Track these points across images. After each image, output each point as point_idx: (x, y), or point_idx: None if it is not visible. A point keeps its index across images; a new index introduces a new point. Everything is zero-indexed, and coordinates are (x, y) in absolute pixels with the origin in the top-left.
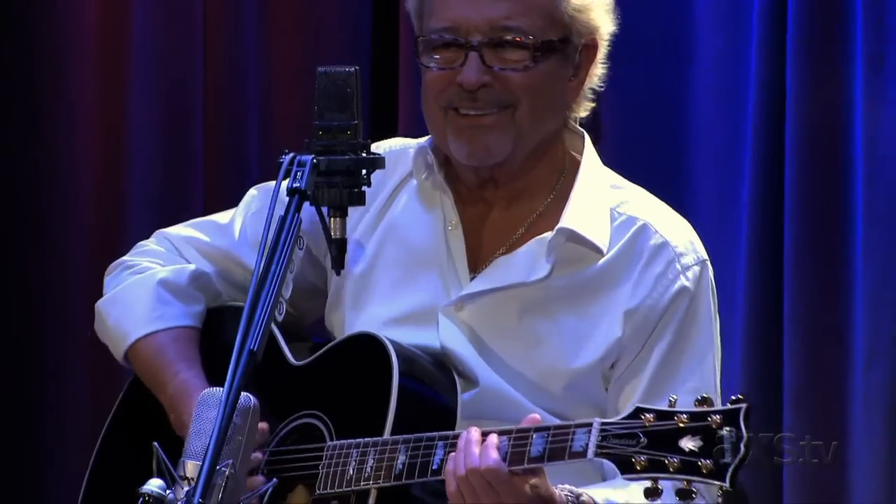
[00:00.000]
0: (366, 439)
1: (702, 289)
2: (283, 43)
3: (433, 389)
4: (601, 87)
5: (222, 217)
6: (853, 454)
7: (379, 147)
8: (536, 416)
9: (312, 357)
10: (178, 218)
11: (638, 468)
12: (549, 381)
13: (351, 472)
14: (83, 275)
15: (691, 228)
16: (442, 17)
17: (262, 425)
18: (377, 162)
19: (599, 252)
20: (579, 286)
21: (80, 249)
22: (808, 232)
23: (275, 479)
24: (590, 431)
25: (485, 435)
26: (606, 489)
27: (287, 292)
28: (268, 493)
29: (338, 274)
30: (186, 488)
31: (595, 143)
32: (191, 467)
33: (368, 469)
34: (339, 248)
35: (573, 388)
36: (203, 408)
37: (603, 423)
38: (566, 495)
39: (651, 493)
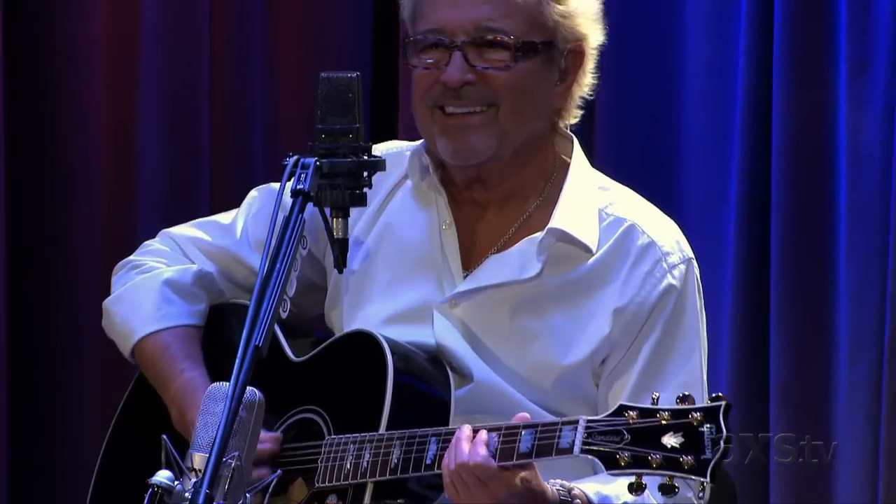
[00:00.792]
0: (362, 434)
1: (688, 287)
2: (287, 49)
3: (427, 385)
4: (591, 96)
5: (224, 217)
6: (838, 448)
7: (376, 150)
8: (526, 415)
9: (311, 354)
10: (185, 216)
11: (622, 464)
12: (540, 376)
13: (348, 466)
14: (95, 270)
15: (677, 228)
16: (429, 20)
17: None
18: (378, 164)
19: (589, 251)
20: (569, 285)
21: (93, 246)
22: (794, 232)
23: (279, 471)
24: (576, 429)
25: (476, 432)
26: (596, 483)
27: (291, 290)
28: (272, 485)
29: (340, 272)
30: (194, 479)
31: (589, 145)
32: (198, 459)
33: (365, 463)
34: (341, 248)
35: (563, 383)
36: (210, 401)
37: (588, 421)
38: (558, 490)
39: (635, 488)
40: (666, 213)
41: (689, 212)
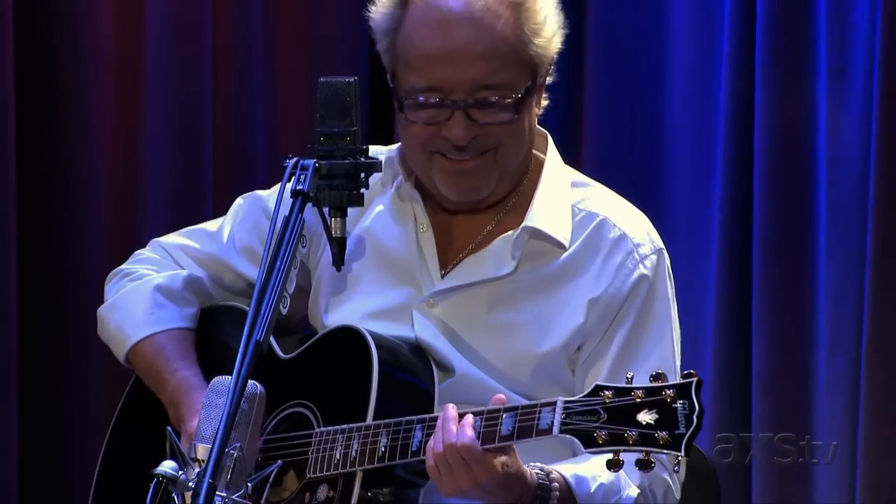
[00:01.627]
0: (350, 425)
1: (659, 275)
2: (287, 55)
3: (411, 375)
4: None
5: (212, 225)
6: (817, 437)
7: None
8: (502, 397)
9: (299, 350)
10: (190, 218)
11: (600, 442)
12: (518, 366)
13: (338, 456)
14: (102, 270)
15: (647, 220)
16: (424, 76)
17: None
18: (375, 166)
19: (562, 247)
20: (544, 279)
21: (100, 247)
22: (775, 231)
23: (279, 461)
24: (554, 410)
25: (461, 416)
26: (573, 465)
27: (291, 288)
28: (272, 475)
29: (339, 270)
30: (197, 469)
31: (577, 147)
32: (201, 450)
33: (354, 453)
34: (339, 246)
35: (541, 371)
36: (213, 395)
37: (566, 402)
38: (537, 473)
39: (613, 464)
40: (651, 214)
41: (674, 212)
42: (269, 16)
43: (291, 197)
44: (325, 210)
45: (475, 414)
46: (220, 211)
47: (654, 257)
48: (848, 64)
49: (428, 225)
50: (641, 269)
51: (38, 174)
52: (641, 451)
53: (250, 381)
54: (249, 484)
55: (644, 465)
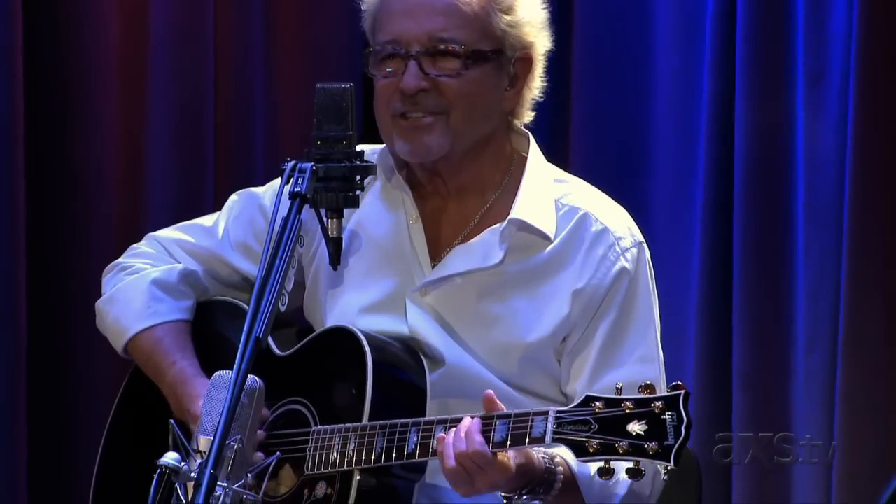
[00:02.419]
0: (347, 425)
1: (640, 268)
2: (286, 62)
3: (404, 373)
4: (542, 98)
5: (207, 220)
6: (795, 430)
7: None
8: (491, 392)
9: (295, 348)
10: (192, 217)
11: (591, 451)
12: (506, 355)
13: (335, 455)
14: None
15: (628, 215)
16: (387, 31)
17: (264, 411)
18: (369, 169)
19: (547, 239)
20: (530, 270)
21: (106, 245)
22: (755, 231)
23: (278, 453)
24: (546, 419)
25: (456, 421)
26: None
27: (289, 285)
28: (271, 467)
29: (335, 269)
30: (199, 461)
31: (565, 149)
32: (203, 442)
33: (351, 452)
34: (335, 246)
35: (528, 361)
36: (214, 389)
37: (558, 412)
38: (542, 457)
39: (604, 472)
40: (635, 214)
41: (658, 212)
42: (268, 25)
43: (289, 199)
44: (322, 211)
45: (471, 419)
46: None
47: (634, 250)
48: (825, 70)
49: (417, 216)
50: (623, 262)
51: (46, 175)
52: (631, 460)
53: (250, 376)
54: (249, 475)
55: (634, 473)
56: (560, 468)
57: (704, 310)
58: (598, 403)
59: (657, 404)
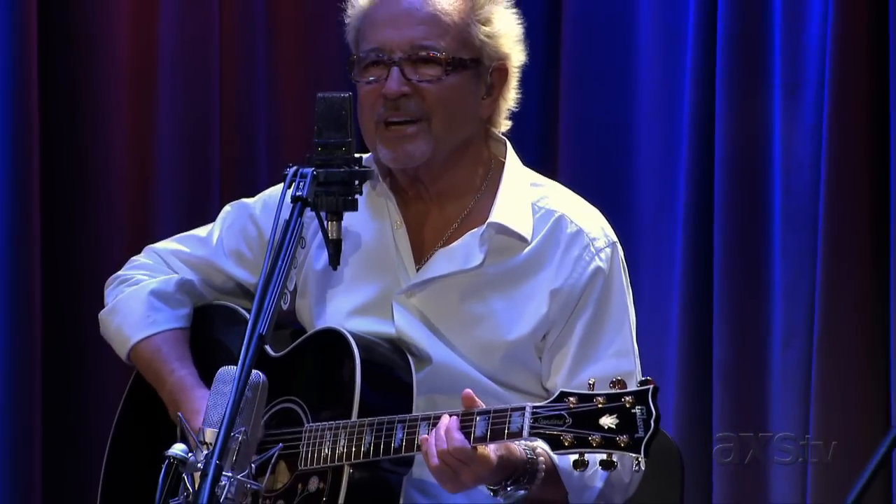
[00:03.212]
0: (337, 422)
1: (614, 267)
2: (288, 73)
3: (391, 372)
4: (517, 108)
5: (202, 231)
6: (772, 421)
7: None
8: (470, 391)
9: (287, 349)
10: (198, 222)
11: (566, 444)
12: (489, 353)
13: (326, 451)
14: (119, 269)
15: (601, 216)
16: (371, 40)
17: None
18: (367, 174)
19: (525, 241)
20: (509, 272)
21: (117, 248)
22: (734, 233)
23: (280, 444)
24: (524, 414)
25: (437, 418)
26: None
27: (291, 284)
28: (274, 458)
29: (335, 269)
30: (205, 452)
31: (553, 157)
32: (209, 434)
33: (341, 448)
34: (335, 247)
35: (510, 358)
36: (219, 383)
37: (534, 408)
38: (524, 448)
39: (579, 464)
40: (620, 217)
41: (642, 216)
42: (270, 38)
43: (291, 202)
44: (323, 214)
45: (451, 415)
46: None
47: (608, 250)
48: (800, 81)
49: (402, 222)
50: (597, 262)
51: (59, 182)
52: (604, 453)
53: (254, 372)
54: (253, 465)
55: (607, 465)
56: (542, 458)
57: (686, 307)
58: (572, 399)
59: (627, 399)
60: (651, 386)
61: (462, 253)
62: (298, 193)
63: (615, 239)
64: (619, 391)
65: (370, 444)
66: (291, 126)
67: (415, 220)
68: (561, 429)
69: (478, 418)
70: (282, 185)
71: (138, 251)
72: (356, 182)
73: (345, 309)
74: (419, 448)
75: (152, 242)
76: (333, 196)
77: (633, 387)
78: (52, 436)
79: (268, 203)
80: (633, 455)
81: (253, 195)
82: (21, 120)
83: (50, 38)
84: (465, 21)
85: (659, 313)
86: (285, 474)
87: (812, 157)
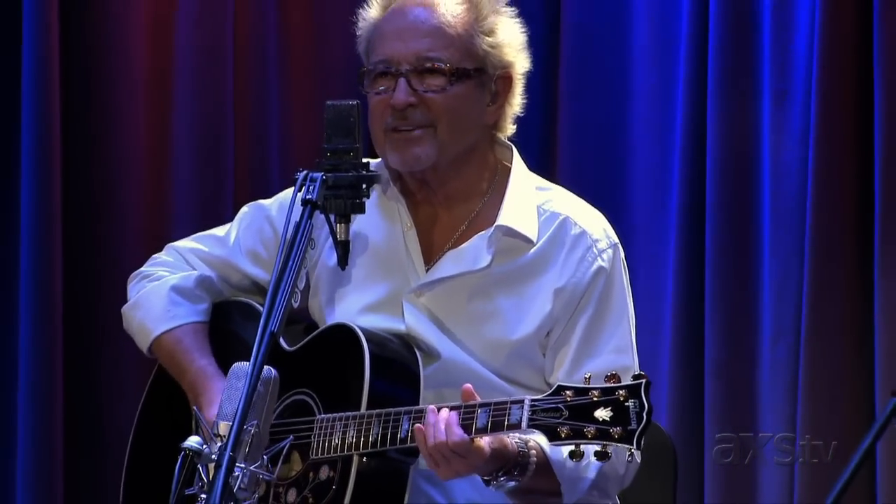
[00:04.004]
0: (347, 413)
1: (615, 267)
2: (299, 82)
3: (399, 366)
4: (523, 114)
5: (220, 231)
6: (762, 414)
7: None
8: (469, 386)
9: (301, 344)
10: (212, 224)
11: (562, 436)
12: (495, 351)
13: (337, 441)
14: (136, 267)
15: (604, 218)
16: (379, 53)
17: None
18: (375, 178)
19: (530, 242)
20: (515, 272)
21: (134, 249)
22: (726, 234)
23: (291, 437)
24: (522, 407)
25: (439, 408)
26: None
27: (301, 284)
28: (285, 450)
29: (343, 269)
30: (219, 444)
31: (552, 160)
32: (223, 427)
33: (350, 438)
34: (343, 249)
35: (516, 355)
36: (233, 379)
37: (532, 401)
38: (516, 442)
39: (575, 455)
40: (616, 218)
41: (637, 217)
42: (282, 48)
43: (301, 205)
44: (332, 216)
45: (453, 408)
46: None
47: (610, 251)
48: (788, 89)
49: (412, 224)
50: (599, 262)
51: (80, 186)
52: (599, 444)
53: (265, 367)
54: (265, 456)
55: (602, 455)
56: (534, 451)
57: (679, 305)
58: (568, 392)
59: (621, 392)
60: (644, 380)
61: (470, 254)
62: (308, 196)
63: (617, 241)
64: (613, 385)
65: (377, 434)
66: (302, 132)
67: (424, 222)
68: (558, 421)
69: (479, 410)
70: (294, 188)
71: (155, 251)
72: (363, 186)
73: (356, 307)
74: None
75: (169, 243)
76: (342, 199)
77: (627, 381)
78: (73, 429)
79: (283, 204)
80: (626, 446)
81: (265, 198)
82: (44, 126)
83: (71, 49)
84: (469, 32)
85: (653, 310)
86: (298, 463)
87: (799, 161)
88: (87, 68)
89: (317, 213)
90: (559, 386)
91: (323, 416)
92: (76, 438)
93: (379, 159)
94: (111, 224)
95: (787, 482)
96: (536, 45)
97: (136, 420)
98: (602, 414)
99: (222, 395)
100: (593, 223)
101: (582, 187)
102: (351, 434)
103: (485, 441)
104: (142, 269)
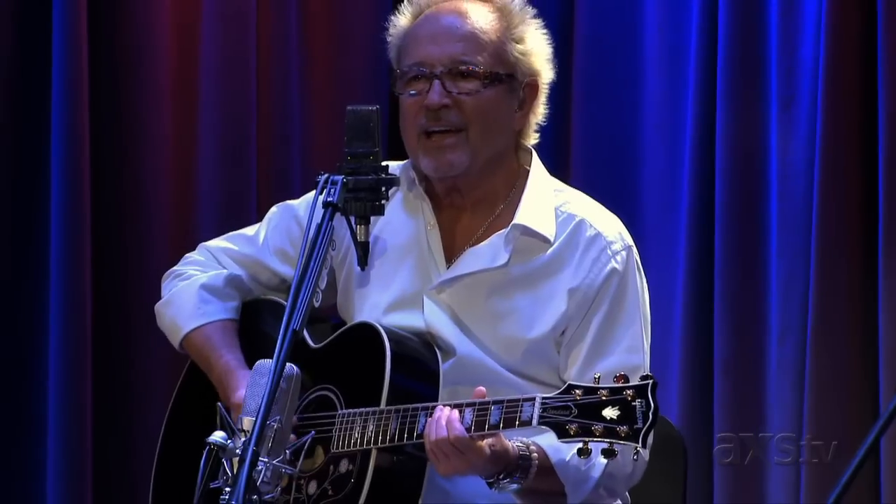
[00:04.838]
0: (367, 409)
1: (629, 269)
2: (320, 87)
3: (419, 364)
4: (545, 122)
5: (249, 230)
6: (769, 411)
7: None
8: (482, 390)
9: (325, 341)
10: (236, 225)
11: (571, 433)
12: (511, 348)
13: (356, 435)
14: (164, 268)
15: (619, 221)
16: (413, 56)
17: None
18: (394, 181)
19: (548, 242)
20: (533, 272)
21: (161, 249)
22: (734, 235)
23: (312, 432)
24: (533, 404)
25: (457, 406)
26: (551, 436)
27: (322, 283)
28: (306, 445)
29: (362, 269)
30: (244, 439)
31: (566, 164)
32: (247, 422)
33: (370, 433)
34: (363, 249)
35: (531, 352)
36: (256, 375)
37: (543, 398)
38: (517, 445)
39: (583, 452)
40: (628, 220)
41: (648, 219)
42: (304, 56)
43: (323, 207)
44: (352, 218)
45: (468, 406)
46: (262, 218)
47: (624, 253)
48: (795, 95)
49: (434, 223)
50: (613, 264)
51: (109, 189)
52: (606, 442)
53: (288, 364)
54: (287, 451)
55: (609, 453)
56: (535, 454)
57: (689, 305)
58: (578, 391)
59: (629, 392)
60: (651, 381)
61: (489, 252)
62: (329, 199)
63: (631, 243)
64: (621, 385)
65: (395, 429)
66: (323, 136)
67: (447, 222)
68: (567, 418)
69: (493, 407)
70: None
71: (182, 252)
72: (383, 188)
73: (382, 304)
74: None
75: (195, 244)
76: (362, 202)
77: (635, 381)
78: (103, 426)
79: (310, 204)
80: (632, 445)
81: (287, 200)
82: (73, 132)
83: (100, 58)
84: (501, 39)
85: (663, 310)
86: (321, 457)
87: (806, 165)
88: (116, 77)
89: (338, 214)
90: (569, 385)
91: (344, 411)
92: (106, 435)
93: (398, 162)
94: (139, 226)
95: (795, 480)
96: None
97: (167, 415)
98: (610, 413)
99: (246, 392)
100: (608, 225)
101: (595, 191)
102: (370, 429)
103: (485, 442)
104: (175, 267)
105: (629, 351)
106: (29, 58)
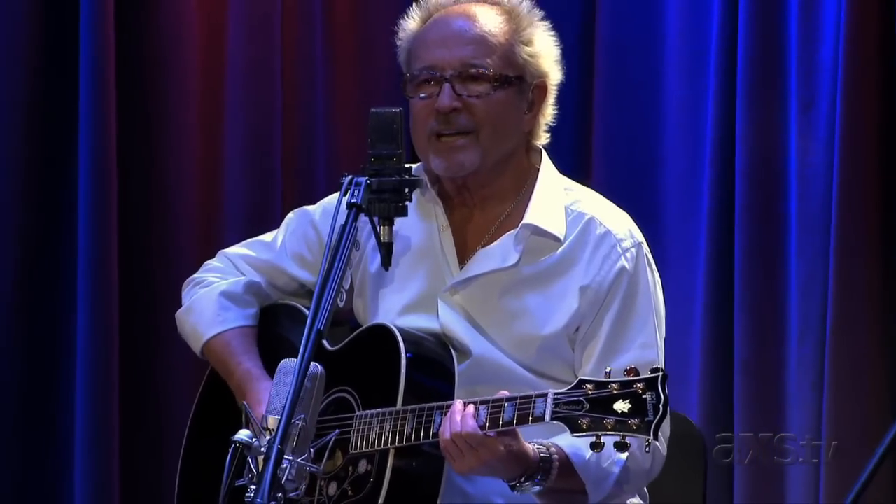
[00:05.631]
0: (383, 409)
1: (639, 266)
2: (343, 90)
3: (434, 365)
4: (558, 123)
5: (268, 236)
6: (788, 410)
7: None
8: (505, 392)
9: (342, 344)
10: (262, 229)
11: (584, 427)
12: (525, 346)
13: (374, 435)
14: (190, 273)
15: (629, 218)
16: (424, 59)
17: None
18: (417, 182)
19: (558, 241)
20: (544, 270)
21: (188, 253)
22: (754, 236)
23: (336, 430)
24: (546, 400)
25: (466, 405)
26: (569, 436)
27: (346, 284)
28: (331, 443)
29: (386, 269)
30: (268, 437)
31: (587, 167)
32: (272, 421)
33: (387, 433)
34: (387, 250)
35: (545, 350)
36: (281, 374)
37: (555, 394)
38: (538, 447)
39: (595, 446)
40: (649, 222)
41: (669, 220)
42: (328, 59)
43: (346, 208)
44: (375, 219)
45: (482, 403)
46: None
47: (634, 250)
48: (814, 98)
49: (447, 225)
50: (623, 262)
51: (136, 193)
52: (618, 435)
53: (312, 363)
54: (311, 449)
55: (621, 446)
56: (556, 456)
57: (709, 305)
58: (589, 386)
59: (639, 385)
60: (660, 373)
61: (500, 253)
62: (353, 200)
63: (642, 240)
64: (631, 378)
65: (412, 428)
66: (347, 139)
67: (458, 222)
68: (579, 413)
69: (506, 404)
70: (338, 192)
71: (207, 255)
72: (406, 190)
73: (397, 306)
74: None
75: (221, 247)
76: (385, 203)
77: (645, 375)
78: (130, 427)
79: (326, 209)
80: (644, 437)
81: (312, 202)
82: (101, 136)
83: (128, 63)
84: (510, 41)
85: (683, 310)
86: (339, 457)
87: (825, 167)
88: (142, 80)
89: (361, 215)
90: (581, 380)
91: (362, 412)
92: (132, 434)
93: (419, 164)
94: (165, 227)
95: (815, 480)
96: (572, 58)
97: (192, 414)
98: (621, 406)
99: (271, 391)
100: (618, 223)
101: (615, 193)
102: (387, 429)
103: (502, 442)
104: (195, 275)
105: (643, 347)
106: (56, 62)
